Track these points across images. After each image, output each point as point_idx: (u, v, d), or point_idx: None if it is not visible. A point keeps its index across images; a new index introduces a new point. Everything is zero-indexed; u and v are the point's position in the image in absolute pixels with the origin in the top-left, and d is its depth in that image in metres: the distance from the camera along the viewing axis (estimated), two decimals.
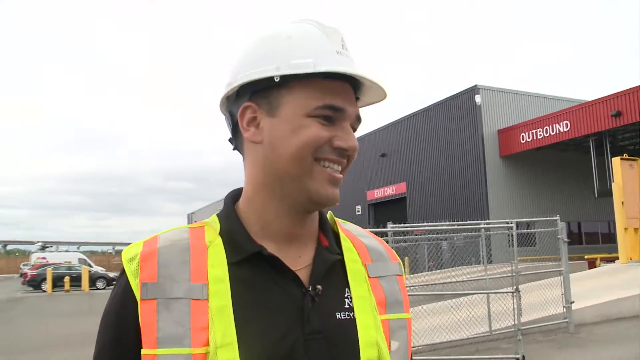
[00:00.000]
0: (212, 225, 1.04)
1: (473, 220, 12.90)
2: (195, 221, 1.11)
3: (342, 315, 1.00)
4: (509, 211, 25.86)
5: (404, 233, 14.41)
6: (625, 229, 18.53)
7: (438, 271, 17.37)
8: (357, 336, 0.98)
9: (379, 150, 35.80)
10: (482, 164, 27.58)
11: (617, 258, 18.93)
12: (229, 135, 1.11)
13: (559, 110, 25.74)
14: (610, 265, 18.41)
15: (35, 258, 44.08)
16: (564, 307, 9.90)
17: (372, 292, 1.05)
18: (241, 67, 1.03)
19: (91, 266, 37.58)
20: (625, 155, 19.82)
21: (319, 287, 1.00)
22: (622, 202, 18.62)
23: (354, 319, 1.00)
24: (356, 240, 1.12)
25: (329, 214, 1.15)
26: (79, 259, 40.94)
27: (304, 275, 1.01)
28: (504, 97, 28.79)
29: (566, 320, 9.78)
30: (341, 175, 1.03)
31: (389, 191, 35.24)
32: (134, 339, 0.92)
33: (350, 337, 0.98)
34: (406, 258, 23.33)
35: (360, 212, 38.04)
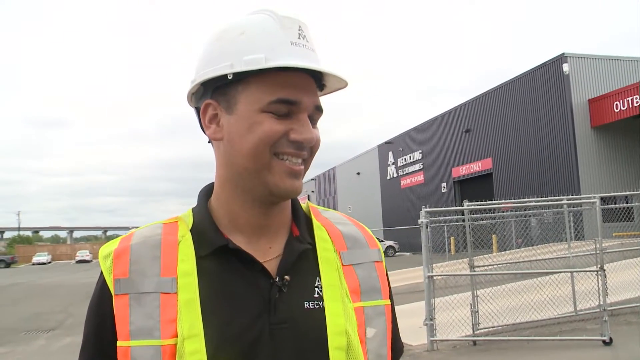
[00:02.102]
0: (185, 220, 1.07)
1: (563, 196, 12.44)
2: None
3: (310, 305, 1.01)
4: (602, 185, 24.65)
5: (486, 211, 14.09)
6: None
7: (524, 249, 16.90)
8: (325, 324, 0.99)
9: (463, 126, 35.05)
10: (571, 136, 26.39)
11: None
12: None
13: None
14: None
15: None
16: None
17: (345, 280, 1.05)
18: (201, 64, 1.04)
19: None
20: None
21: (286, 277, 1.01)
22: None
23: (323, 307, 1.01)
24: (332, 229, 1.12)
25: (305, 203, 1.17)
26: None
27: (272, 265, 1.03)
28: (594, 63, 27.34)
29: None
30: (302, 167, 1.03)
31: (475, 167, 34.46)
32: (111, 332, 0.97)
33: (318, 326, 0.99)
34: (493, 236, 22.91)
35: (445, 190, 37.47)
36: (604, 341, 7.34)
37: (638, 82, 24.62)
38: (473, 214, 10.52)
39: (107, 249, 1.04)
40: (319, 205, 1.17)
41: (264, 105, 0.97)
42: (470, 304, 8.41)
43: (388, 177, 46.67)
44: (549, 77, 27.77)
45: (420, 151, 41.07)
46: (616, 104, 25.34)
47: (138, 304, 0.96)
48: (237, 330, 0.95)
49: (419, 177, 41.49)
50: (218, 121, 1.03)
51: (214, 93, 1.03)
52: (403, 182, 43.97)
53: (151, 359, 0.93)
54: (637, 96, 24.25)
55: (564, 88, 26.75)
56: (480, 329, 8.33)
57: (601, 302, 7.65)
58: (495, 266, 11.78)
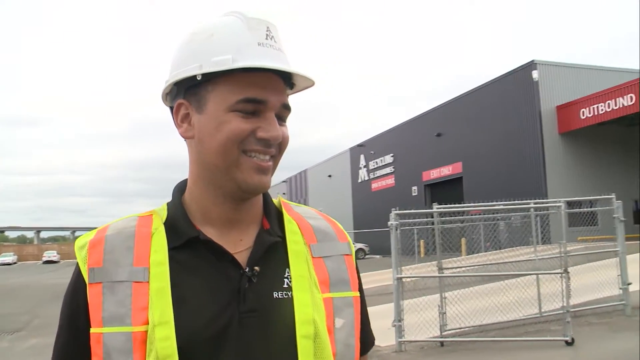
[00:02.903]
0: (160, 214, 1.11)
1: (530, 200, 12.70)
2: None
3: (279, 294, 1.04)
4: (569, 190, 25.12)
5: (456, 214, 14.27)
6: None
7: (493, 252, 17.15)
8: (293, 313, 1.02)
9: (434, 130, 35.39)
10: (539, 141, 26.87)
11: None
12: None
13: (622, 83, 24.73)
14: None
15: None
16: (620, 288, 9.58)
17: (314, 271, 1.09)
18: (174, 65, 1.09)
19: None
20: None
21: (256, 268, 1.05)
22: None
23: (292, 297, 1.04)
24: (303, 222, 1.16)
25: (277, 198, 1.21)
26: None
27: (243, 257, 1.06)
28: (562, 71, 27.88)
29: (622, 302, 9.46)
30: (270, 164, 1.07)
31: (445, 171, 34.83)
32: (85, 319, 1.00)
33: (286, 315, 1.02)
34: (462, 239, 23.18)
35: (416, 193, 37.79)
36: (566, 341, 7.50)
37: (603, 90, 25.17)
38: (442, 217, 10.64)
39: (83, 239, 1.07)
40: None
41: (231, 104, 1.01)
42: (439, 306, 8.50)
43: (359, 180, 46.87)
44: (519, 83, 28.22)
45: (391, 154, 41.35)
46: (582, 111, 25.88)
47: (111, 292, 0.99)
48: (207, 318, 0.98)
49: (390, 181, 41.76)
50: (189, 120, 1.07)
51: (185, 93, 1.07)
52: (374, 185, 44.21)
53: (122, 344, 0.95)
54: (602, 104, 24.80)
55: (533, 94, 27.22)
56: (448, 330, 8.44)
57: (564, 304, 7.81)
58: (463, 269, 11.95)
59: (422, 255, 25.54)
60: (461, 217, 19.19)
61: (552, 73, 27.50)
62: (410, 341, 8.09)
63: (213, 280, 1.03)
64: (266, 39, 1.04)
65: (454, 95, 34.39)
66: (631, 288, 9.58)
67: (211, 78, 1.02)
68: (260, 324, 1.01)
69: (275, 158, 1.08)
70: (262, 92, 1.02)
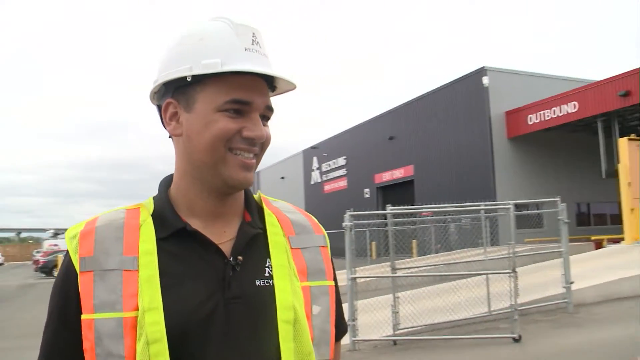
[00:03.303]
0: (147, 207, 1.18)
1: (481, 202, 13.05)
2: None
3: (261, 282, 1.12)
4: (516, 193, 25.79)
5: (408, 215, 14.51)
6: (632, 209, 18.51)
7: (443, 253, 17.48)
8: (274, 300, 1.10)
9: (387, 133, 35.74)
10: (489, 145, 27.49)
11: (623, 239, 18.93)
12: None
13: (566, 91, 25.57)
14: (614, 246, 18.43)
15: (46, 245, 44.55)
16: (563, 287, 9.96)
17: (293, 261, 1.18)
18: (163, 65, 1.15)
19: None
20: (632, 136, 19.73)
21: (239, 257, 1.13)
22: (629, 183, 18.58)
23: (273, 285, 1.12)
24: (281, 216, 1.25)
25: (257, 194, 1.29)
26: None
27: (227, 247, 1.14)
28: (511, 78, 28.58)
29: (566, 300, 9.84)
30: (254, 161, 1.15)
31: (397, 174, 35.23)
32: (75, 306, 1.05)
33: (268, 301, 1.10)
34: (413, 241, 23.53)
35: (368, 196, 38.09)
36: (514, 338, 7.78)
37: (549, 97, 25.96)
38: (395, 219, 10.83)
39: (74, 230, 1.12)
40: None
41: (219, 104, 1.09)
42: (391, 306, 8.66)
43: (312, 182, 46.96)
44: (470, 88, 28.79)
45: (344, 157, 41.57)
46: (530, 117, 26.60)
47: (102, 280, 1.05)
48: (194, 304, 1.05)
49: (343, 183, 41.98)
50: (178, 118, 1.14)
51: (174, 93, 1.14)
52: (327, 187, 44.35)
53: (113, 330, 1.01)
54: (548, 110, 25.57)
55: (483, 99, 27.82)
56: (401, 329, 8.60)
57: (512, 303, 8.10)
58: (416, 269, 12.18)
59: (373, 257, 25.86)
60: (413, 219, 19.47)
61: (501, 79, 28.17)
62: (364, 340, 8.23)
63: (199, 269, 1.10)
64: (252, 44, 1.12)
65: (407, 99, 34.85)
66: (574, 287, 9.98)
67: (200, 79, 1.09)
68: (244, 309, 1.08)
69: (258, 156, 1.16)
70: (248, 94, 1.10)
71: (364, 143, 38.67)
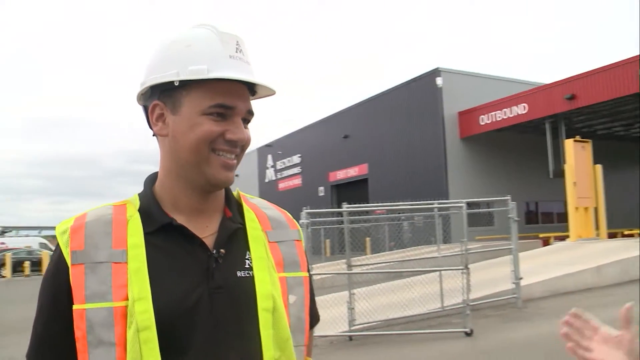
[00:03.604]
0: (133, 203, 1.25)
1: (435, 201, 13.36)
2: None
3: (242, 273, 1.20)
4: (468, 191, 26.33)
5: (362, 213, 14.72)
6: (576, 208, 19.18)
7: (397, 251, 17.78)
8: (255, 290, 1.18)
9: (341, 132, 35.99)
10: (442, 145, 28.00)
11: (568, 236, 19.60)
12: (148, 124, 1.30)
13: (517, 93, 26.27)
14: (560, 243, 19.05)
15: None
16: (513, 283, 10.29)
17: (270, 254, 1.26)
18: (151, 69, 1.22)
19: (52, 250, 37.03)
20: (577, 137, 20.42)
21: (222, 250, 1.20)
22: (574, 183, 19.24)
23: (253, 276, 1.20)
24: (259, 212, 1.34)
25: (236, 191, 1.37)
26: (40, 244, 40.14)
27: (210, 241, 1.21)
28: (464, 79, 29.16)
29: (515, 295, 10.18)
30: (235, 161, 1.23)
31: (352, 172, 35.53)
32: (66, 297, 1.11)
33: (249, 291, 1.18)
34: (367, 238, 23.81)
35: (323, 194, 38.30)
36: (465, 332, 8.03)
37: (500, 99, 26.61)
38: (350, 217, 10.99)
39: (64, 225, 1.18)
40: None
41: (204, 108, 1.16)
42: (347, 302, 8.80)
43: (266, 180, 46.91)
44: (424, 88, 29.25)
45: (299, 155, 41.67)
46: (482, 118, 27.22)
47: (92, 272, 1.11)
48: (180, 294, 1.12)
49: (297, 181, 42.08)
50: (164, 120, 1.21)
51: (160, 95, 1.20)
52: (281, 185, 44.39)
53: (104, 319, 1.08)
54: (499, 112, 26.22)
55: (437, 100, 28.31)
56: (356, 325, 8.75)
57: (465, 298, 8.36)
58: (371, 266, 12.38)
59: (327, 254, 26.03)
60: (366, 217, 19.71)
61: (455, 80, 28.71)
62: (320, 336, 8.33)
63: (185, 261, 1.17)
64: (236, 52, 1.19)
65: (363, 98, 35.17)
66: (522, 282, 10.33)
67: (187, 84, 1.16)
68: (227, 299, 1.16)
69: (239, 157, 1.25)
70: (231, 99, 1.18)
71: (318, 141, 38.82)
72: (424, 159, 29.04)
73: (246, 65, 1.21)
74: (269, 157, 46.32)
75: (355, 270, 9.95)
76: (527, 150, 28.94)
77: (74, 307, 1.10)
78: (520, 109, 25.19)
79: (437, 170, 28.20)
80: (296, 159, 42.09)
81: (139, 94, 1.26)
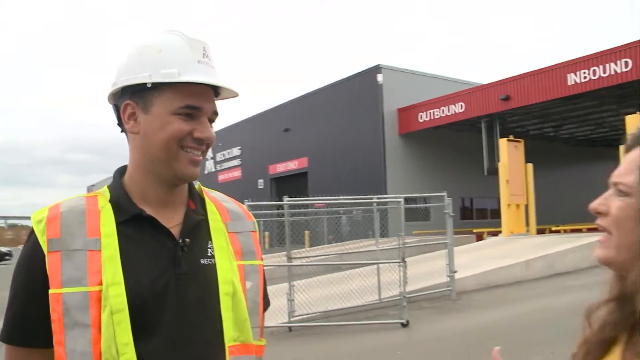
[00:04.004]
0: (104, 194, 1.34)
1: (374, 195, 13.61)
2: None
3: (205, 261, 1.31)
4: (406, 187, 26.85)
5: (302, 207, 14.86)
6: (509, 205, 19.92)
7: (336, 244, 18.01)
8: (216, 276, 1.29)
9: (282, 125, 36.02)
10: (381, 141, 28.45)
11: (501, 232, 20.34)
12: (117, 122, 1.38)
13: (454, 92, 26.94)
14: (493, 239, 19.76)
15: None
16: (447, 276, 10.66)
17: (229, 243, 1.37)
18: (123, 71, 1.31)
19: None
20: (510, 137, 21.18)
21: (187, 239, 1.31)
22: (507, 180, 19.96)
23: (215, 263, 1.31)
24: (218, 204, 1.45)
25: (197, 185, 1.47)
26: None
27: (176, 231, 1.31)
28: (404, 77, 29.69)
29: (449, 288, 10.55)
30: (201, 158, 1.33)
31: (291, 165, 35.63)
32: (42, 282, 1.18)
33: (211, 277, 1.29)
34: (306, 231, 23.97)
35: (262, 186, 38.26)
36: (402, 324, 8.29)
37: (438, 97, 27.24)
38: (290, 210, 11.09)
39: (39, 215, 1.25)
40: None
41: (174, 109, 1.25)
42: (287, 294, 8.92)
43: (206, 172, 46.41)
44: (365, 85, 29.61)
45: (239, 147, 41.47)
46: (420, 115, 27.81)
47: (68, 259, 1.19)
48: (150, 279, 1.22)
49: (237, 173, 41.89)
50: (135, 118, 1.29)
51: (132, 95, 1.28)
52: (220, 177, 44.06)
53: (80, 302, 1.16)
54: (437, 109, 26.85)
55: (377, 96, 28.73)
56: (296, 316, 8.88)
57: (401, 291, 8.62)
58: (310, 259, 12.54)
59: (266, 247, 26.07)
60: (306, 210, 19.86)
61: (395, 77, 29.18)
62: None
63: (153, 249, 1.27)
64: (203, 57, 1.30)
65: (304, 92, 35.28)
66: (457, 276, 10.71)
67: (158, 86, 1.25)
68: (192, 284, 1.26)
69: (204, 153, 1.34)
70: (199, 100, 1.28)
71: (259, 134, 38.72)
72: (363, 154, 29.42)
73: (212, 70, 1.31)
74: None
75: (295, 262, 10.07)
76: (463, 148, 29.73)
77: (50, 291, 1.17)
78: (458, 108, 25.87)
79: (376, 166, 28.63)
80: (236, 151, 41.87)
81: (110, 94, 1.34)
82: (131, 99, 1.29)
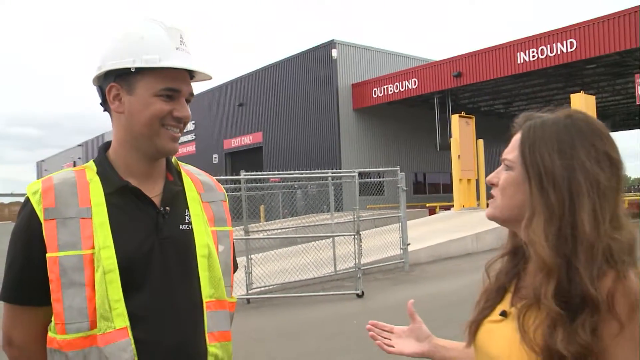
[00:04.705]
0: (91, 168, 1.48)
1: (329, 170, 13.77)
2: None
3: (184, 227, 1.48)
4: (360, 161, 27.25)
5: (258, 181, 14.93)
6: (460, 180, 20.41)
7: (291, 218, 18.18)
8: (194, 240, 1.47)
9: (236, 99, 35.83)
10: (336, 116, 28.65)
11: (453, 206, 20.86)
12: (100, 101, 1.53)
13: (408, 67, 27.25)
14: (445, 212, 20.28)
15: None
16: (401, 249, 10.97)
17: (204, 211, 1.55)
18: (108, 56, 1.45)
19: None
20: (462, 113, 21.62)
21: (167, 208, 1.48)
22: (459, 156, 20.42)
23: (192, 229, 1.49)
24: (193, 177, 1.63)
25: (173, 159, 1.63)
26: None
27: (157, 200, 1.48)
28: (358, 52, 29.87)
29: (402, 260, 10.89)
30: (179, 134, 1.50)
31: (246, 140, 35.57)
32: (39, 247, 1.33)
33: (189, 241, 1.47)
34: (262, 206, 24.06)
35: (217, 161, 38.11)
36: (357, 294, 8.56)
37: (392, 73, 27.52)
38: (247, 184, 11.17)
39: (34, 187, 1.40)
40: None
41: (156, 91, 1.40)
42: (245, 267, 9.06)
43: None
44: (319, 60, 29.67)
45: (193, 122, 41.03)
46: (374, 90, 28.08)
47: (63, 226, 1.34)
48: (137, 243, 1.38)
49: (191, 148, 41.57)
50: (120, 99, 1.43)
51: (116, 78, 1.42)
52: None
53: (75, 264, 1.31)
54: (391, 85, 27.15)
55: (332, 71, 28.84)
56: (254, 288, 9.05)
57: (356, 263, 8.87)
58: (267, 232, 12.69)
59: None
60: (261, 185, 19.95)
61: (349, 53, 29.34)
62: None
63: (138, 217, 1.43)
64: (180, 44, 1.45)
65: (258, 67, 35.07)
66: (410, 248, 11.05)
67: (141, 70, 1.40)
68: (172, 247, 1.43)
69: (182, 130, 1.50)
70: (178, 83, 1.43)
71: (213, 108, 38.43)
72: (318, 129, 29.59)
73: (188, 55, 1.47)
74: None
75: (252, 236, 10.20)
76: (416, 123, 30.21)
77: (48, 255, 1.31)
78: (411, 84, 26.23)
79: (331, 140, 28.85)
80: (190, 125, 41.34)
81: (95, 77, 1.49)
82: (116, 81, 1.43)
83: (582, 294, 1.00)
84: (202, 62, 1.52)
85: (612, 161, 1.09)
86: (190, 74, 1.49)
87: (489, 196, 1.23)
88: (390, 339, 1.59)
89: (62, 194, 1.38)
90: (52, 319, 1.33)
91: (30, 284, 1.34)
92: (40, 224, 1.34)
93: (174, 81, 1.42)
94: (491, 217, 1.24)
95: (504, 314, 1.18)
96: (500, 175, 1.20)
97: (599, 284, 1.00)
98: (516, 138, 1.19)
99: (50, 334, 1.34)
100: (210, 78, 1.55)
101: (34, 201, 1.37)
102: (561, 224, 1.05)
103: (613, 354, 0.99)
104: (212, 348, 1.45)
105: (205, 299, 1.44)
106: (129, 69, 1.39)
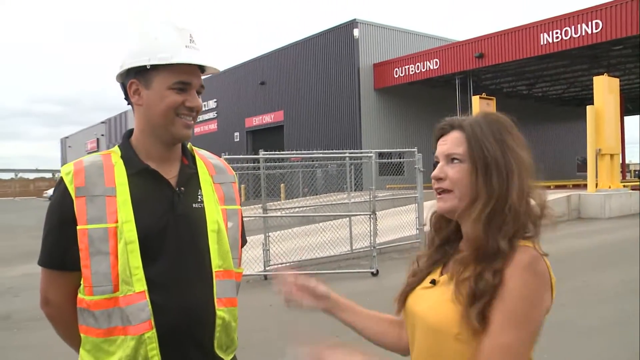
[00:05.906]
0: (116, 152, 1.70)
1: (347, 150, 13.86)
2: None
3: (196, 205, 1.68)
4: (381, 142, 27.26)
5: (278, 160, 15.13)
6: None
7: (310, 197, 18.38)
8: (205, 217, 1.67)
9: (258, 78, 35.90)
10: (357, 95, 28.64)
11: None
12: (123, 97, 1.76)
13: (430, 48, 27.12)
14: None
15: None
16: (417, 229, 11.12)
17: (215, 192, 1.75)
18: (127, 55, 1.67)
19: None
20: (483, 94, 21.55)
21: (182, 188, 1.67)
22: None
23: (204, 207, 1.68)
24: (206, 161, 1.84)
25: (188, 145, 1.84)
26: None
27: (173, 181, 1.68)
28: (380, 32, 29.74)
29: (418, 240, 11.04)
30: (192, 122, 1.69)
31: (267, 119, 35.70)
32: (71, 220, 1.55)
33: (202, 217, 1.66)
34: (282, 184, 24.27)
35: (238, 139, 38.31)
36: (372, 273, 8.76)
37: (414, 53, 27.39)
38: (266, 163, 11.37)
39: (67, 168, 1.62)
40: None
41: (170, 84, 1.60)
42: (263, 244, 9.30)
43: None
44: (341, 39, 29.60)
45: (215, 100, 41.27)
46: (396, 70, 28.01)
47: (91, 202, 1.55)
48: (154, 218, 1.58)
49: (213, 126, 41.80)
50: (139, 93, 1.64)
51: (136, 75, 1.63)
52: (196, 130, 43.75)
53: (101, 235, 1.52)
54: (413, 65, 27.06)
55: (353, 51, 28.77)
56: (271, 265, 9.29)
57: (372, 242, 9.05)
58: (285, 211, 12.90)
59: (242, 199, 26.31)
60: (282, 164, 20.14)
61: (371, 32, 29.22)
62: None
63: (156, 196, 1.63)
64: (190, 42, 1.65)
65: (280, 45, 35.07)
66: (426, 228, 11.09)
67: (156, 67, 1.60)
68: (186, 223, 1.63)
69: (194, 118, 1.70)
70: (189, 77, 1.63)
71: (235, 87, 38.55)
72: (339, 108, 29.62)
73: (197, 52, 1.67)
74: None
75: (270, 214, 10.42)
76: (437, 104, 30.00)
77: (78, 227, 1.53)
78: (433, 64, 26.13)
79: (352, 120, 28.88)
80: (212, 103, 41.66)
81: (118, 74, 1.70)
82: (135, 77, 1.63)
83: (496, 248, 1.22)
84: (210, 57, 1.72)
85: (525, 144, 1.35)
86: (201, 68, 1.68)
87: (440, 191, 1.37)
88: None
89: (91, 175, 1.58)
90: (82, 282, 1.54)
91: (64, 252, 1.56)
92: (72, 201, 1.55)
93: (185, 75, 1.61)
94: (452, 209, 1.35)
95: (433, 282, 1.37)
96: (446, 170, 1.35)
97: (509, 244, 1.23)
98: (456, 136, 1.38)
99: (80, 295, 1.55)
100: (218, 71, 1.77)
101: (67, 181, 1.58)
102: (496, 202, 1.26)
103: (507, 285, 1.19)
104: (220, 312, 1.63)
105: (214, 269, 1.64)
106: (146, 66, 1.59)
